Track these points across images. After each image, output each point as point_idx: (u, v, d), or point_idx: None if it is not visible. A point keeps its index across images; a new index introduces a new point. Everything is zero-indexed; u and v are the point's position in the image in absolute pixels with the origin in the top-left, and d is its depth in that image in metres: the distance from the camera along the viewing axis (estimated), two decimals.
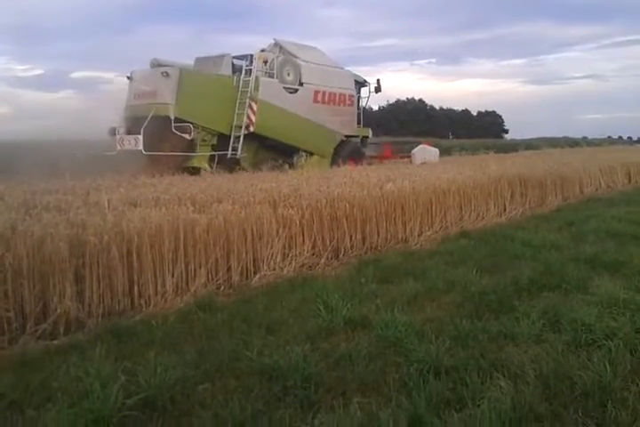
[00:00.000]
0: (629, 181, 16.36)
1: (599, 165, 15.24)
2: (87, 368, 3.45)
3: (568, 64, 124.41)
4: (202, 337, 4.25)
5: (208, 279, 5.70)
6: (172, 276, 5.42)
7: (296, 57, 16.41)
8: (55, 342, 4.35)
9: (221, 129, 14.41)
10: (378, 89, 18.89)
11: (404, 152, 21.21)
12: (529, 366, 3.51)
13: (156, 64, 14.52)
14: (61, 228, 4.96)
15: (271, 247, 6.33)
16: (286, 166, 13.79)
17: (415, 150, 19.65)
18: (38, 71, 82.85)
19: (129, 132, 13.50)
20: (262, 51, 16.14)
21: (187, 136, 13.23)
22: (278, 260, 6.36)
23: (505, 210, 10.45)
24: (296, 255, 6.58)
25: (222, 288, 5.76)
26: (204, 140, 14.05)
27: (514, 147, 34.09)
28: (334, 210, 7.19)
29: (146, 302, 5.16)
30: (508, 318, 4.44)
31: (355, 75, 18.62)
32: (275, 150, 15.80)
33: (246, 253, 6.13)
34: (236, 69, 15.09)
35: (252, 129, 14.54)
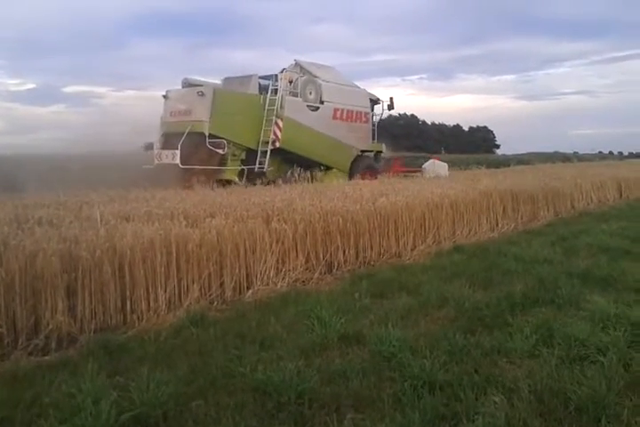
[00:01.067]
0: (620, 195, 16.49)
1: (590, 180, 15.35)
2: (79, 384, 3.42)
3: (559, 80, 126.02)
4: (195, 353, 4.22)
5: (201, 294, 5.68)
6: (165, 291, 5.40)
7: (316, 77, 17.48)
8: (47, 357, 4.32)
9: (250, 144, 15.36)
10: (391, 106, 19.83)
11: (411, 166, 22.18)
12: (523, 381, 3.51)
13: (187, 83, 15.73)
14: (54, 242, 4.94)
15: (264, 262, 6.32)
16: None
17: (426, 165, 20.37)
18: (30, 85, 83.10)
19: (165, 147, 14.47)
20: (283, 70, 16.98)
21: (220, 151, 14.17)
22: (271, 274, 6.35)
23: (497, 225, 10.50)
24: (289, 270, 6.57)
25: (215, 303, 5.74)
26: (234, 155, 15.01)
27: (505, 162, 34.33)
28: (328, 224, 7.20)
29: (138, 318, 5.13)
30: (501, 333, 4.44)
31: (369, 93, 19.58)
32: (292, 164, 16.04)
33: (239, 268, 6.11)
34: (262, 89, 16.17)
35: (277, 144, 15.42)
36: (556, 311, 5.03)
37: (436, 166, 19.83)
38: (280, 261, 6.53)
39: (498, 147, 75.09)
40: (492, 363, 3.88)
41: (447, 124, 74.00)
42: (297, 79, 16.60)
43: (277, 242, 6.50)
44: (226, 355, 4.12)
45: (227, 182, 13.65)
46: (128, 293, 5.17)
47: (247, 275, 6.20)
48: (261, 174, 14.78)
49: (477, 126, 75.91)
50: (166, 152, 14.24)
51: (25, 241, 4.87)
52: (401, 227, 8.27)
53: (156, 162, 14.33)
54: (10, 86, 76.38)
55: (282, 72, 16.67)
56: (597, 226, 10.40)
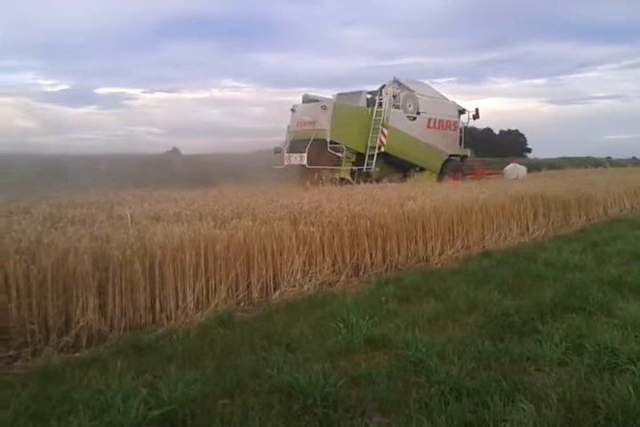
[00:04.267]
0: None
1: (624, 186, 15.07)
2: (108, 381, 3.48)
3: (590, 84, 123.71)
4: (222, 353, 4.25)
5: (228, 295, 5.73)
6: (193, 291, 5.46)
7: (412, 91, 20.27)
8: (77, 354, 4.40)
9: (360, 149, 18.28)
10: (476, 116, 22.46)
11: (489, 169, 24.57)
12: (552, 389, 3.45)
13: (307, 98, 19.35)
14: (85, 241, 5.03)
15: (291, 264, 6.34)
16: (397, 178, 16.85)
17: (507, 168, 22.22)
18: (64, 86, 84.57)
19: (293, 151, 17.64)
20: (384, 86, 20.08)
21: (339, 154, 17.36)
22: (298, 277, 6.37)
23: (528, 230, 10.37)
24: (316, 272, 6.59)
25: (242, 304, 5.78)
26: (348, 158, 17.88)
27: (537, 166, 33.78)
28: (355, 227, 7.20)
29: (167, 317, 5.20)
30: (530, 340, 4.38)
31: (457, 104, 22.34)
32: (395, 166, 19.29)
33: (266, 270, 6.15)
34: (369, 102, 19.38)
35: (383, 149, 18.36)
36: (587, 319, 4.94)
37: (516, 169, 21.48)
38: (307, 263, 6.54)
39: (529, 151, 74.18)
40: (521, 370, 3.83)
41: (477, 127, 73.33)
42: (399, 94, 19.47)
43: (304, 244, 6.52)
44: (252, 355, 4.14)
45: (342, 180, 16.27)
46: (157, 292, 5.24)
47: (274, 276, 6.23)
48: (367, 174, 17.76)
49: (509, 130, 75.11)
50: (295, 155, 17.39)
51: (57, 239, 4.97)
52: (429, 231, 8.23)
53: (286, 163, 17.51)
54: (44, 87, 77.95)
55: (382, 88, 19.80)
56: (630, 232, 10.21)
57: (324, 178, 13.65)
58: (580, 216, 12.22)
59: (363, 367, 3.90)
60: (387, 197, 9.24)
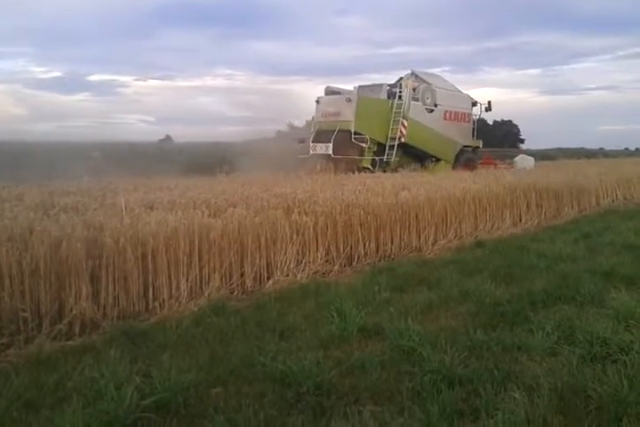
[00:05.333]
0: None
1: (616, 177, 15.13)
2: (102, 369, 3.48)
3: (583, 75, 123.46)
4: (215, 341, 4.26)
5: (222, 284, 5.73)
6: (187, 279, 5.45)
7: (429, 84, 20.75)
8: (70, 342, 4.39)
9: (381, 139, 18.81)
10: (488, 108, 22.92)
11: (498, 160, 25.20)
12: (543, 378, 3.48)
13: (330, 90, 19.96)
14: (78, 229, 5.00)
15: (285, 253, 6.34)
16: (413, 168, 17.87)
17: (517, 159, 23.86)
18: (56, 73, 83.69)
19: (318, 141, 18.23)
20: (401, 78, 21.01)
21: (364, 145, 17.98)
22: (292, 266, 6.37)
23: (520, 220, 10.43)
24: (309, 262, 6.60)
25: (236, 293, 5.78)
26: (370, 148, 18.38)
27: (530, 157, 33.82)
28: (349, 217, 7.20)
29: (160, 305, 5.19)
30: (522, 329, 4.41)
31: (470, 97, 22.76)
32: (412, 156, 19.93)
33: (260, 259, 6.15)
34: (389, 95, 19.80)
35: (403, 140, 18.98)
36: (579, 309, 4.98)
37: (524, 160, 23.19)
38: (300, 252, 6.55)
39: (522, 141, 74.09)
40: (513, 359, 3.86)
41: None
42: (418, 86, 20.04)
43: (298, 233, 6.52)
44: (246, 344, 4.15)
45: (364, 169, 16.79)
46: (151, 280, 5.23)
47: (267, 265, 6.24)
48: (387, 164, 18.45)
49: (502, 120, 75.00)
50: (320, 145, 18.00)
51: (50, 227, 4.94)
52: (422, 221, 8.24)
53: (311, 152, 18.05)
54: (36, 74, 77.21)
55: (399, 80, 20.79)
56: (622, 223, 10.27)
57: (343, 167, 14.83)
58: (572, 207, 12.27)
59: (356, 356, 3.91)
60: (381, 186, 9.23)
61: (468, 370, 3.60)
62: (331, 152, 17.51)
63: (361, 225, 7.30)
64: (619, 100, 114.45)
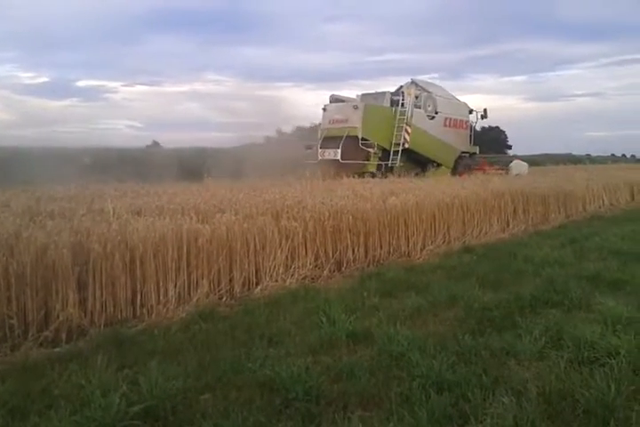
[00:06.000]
0: (633, 199, 16.41)
1: (603, 183, 15.26)
2: (89, 376, 3.45)
3: (569, 81, 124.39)
4: (204, 347, 4.24)
5: (210, 289, 5.71)
6: (175, 285, 5.43)
7: (429, 92, 21.74)
8: (57, 349, 4.35)
9: (385, 145, 19.76)
10: (484, 116, 23.93)
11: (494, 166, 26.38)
12: (531, 382, 3.50)
13: (334, 98, 20.93)
14: (65, 235, 4.97)
15: (274, 259, 6.34)
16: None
17: (512, 164, 24.98)
18: (44, 79, 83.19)
19: (325, 147, 19.03)
20: (401, 86, 21.78)
21: (371, 150, 19.02)
22: (281, 271, 6.36)
23: (508, 226, 10.48)
24: (298, 267, 6.59)
25: (224, 299, 5.76)
26: (375, 153, 19.35)
27: (508, 163, 34.08)
28: (337, 222, 7.20)
29: (148, 311, 5.16)
30: (510, 334, 4.42)
31: (467, 105, 23.89)
32: (413, 162, 20.83)
33: (249, 264, 6.14)
34: (392, 102, 20.75)
35: (407, 146, 19.87)
36: (566, 313, 5.01)
37: (519, 166, 24.38)
38: (289, 258, 6.54)
39: (510, 147, 74.52)
40: (501, 364, 3.87)
41: None
42: (420, 95, 21.07)
43: (287, 239, 6.51)
44: (234, 350, 4.13)
45: (370, 174, 17.76)
46: (138, 286, 5.20)
47: (256, 271, 6.22)
48: (391, 169, 19.08)
49: (489, 126, 75.44)
50: (329, 150, 18.78)
51: (37, 233, 4.90)
52: (411, 226, 8.26)
53: (320, 158, 18.82)
54: (24, 79, 76.59)
55: (400, 89, 21.52)
56: (608, 229, 10.35)
57: (350, 172, 15.47)
58: (559, 212, 12.36)
59: (345, 362, 3.91)
60: (369, 192, 9.25)
61: (457, 375, 3.61)
62: (339, 157, 18.28)
63: (350, 230, 7.30)
64: (605, 107, 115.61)
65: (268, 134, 24.78)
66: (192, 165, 17.69)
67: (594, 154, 61.17)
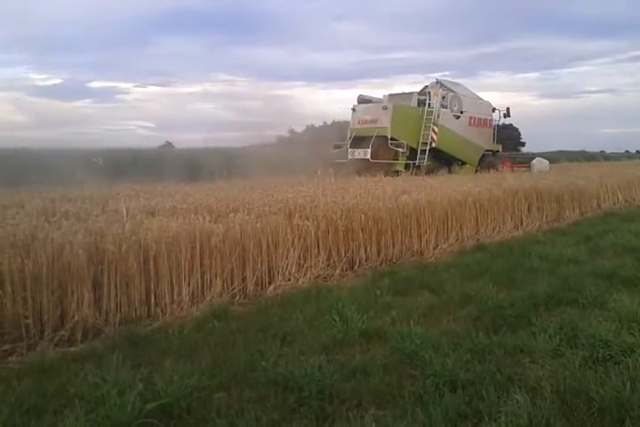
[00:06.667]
0: None
1: (617, 180, 15.13)
2: (104, 375, 3.48)
3: (582, 78, 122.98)
4: (217, 346, 4.26)
5: (223, 289, 5.74)
6: (189, 285, 5.46)
7: (454, 92, 22.06)
8: (72, 348, 4.40)
9: (413, 145, 19.97)
10: (507, 115, 24.51)
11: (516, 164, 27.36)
12: (546, 380, 3.47)
13: (362, 99, 21.30)
14: (80, 236, 5.01)
15: (286, 258, 6.35)
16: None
17: (533, 162, 25.58)
18: (56, 81, 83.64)
19: (355, 147, 19.35)
20: (426, 86, 22.27)
21: (400, 150, 19.24)
22: (293, 270, 6.37)
23: (522, 224, 10.41)
24: (311, 266, 6.59)
25: (237, 298, 5.79)
26: (404, 153, 19.57)
27: (531, 160, 33.94)
28: (350, 221, 7.20)
29: (162, 311, 5.20)
30: (524, 332, 4.41)
31: (490, 104, 24.18)
32: (439, 160, 21.05)
33: (261, 264, 6.15)
34: (419, 103, 21.06)
35: (434, 145, 20.24)
36: (581, 311, 4.97)
37: (541, 163, 24.87)
38: (302, 257, 6.55)
39: (523, 145, 74.08)
40: (515, 362, 3.86)
41: None
42: (446, 95, 21.32)
43: (299, 238, 6.52)
44: (248, 349, 4.15)
45: (397, 173, 17.95)
46: (152, 286, 5.24)
47: (269, 270, 6.24)
48: (418, 168, 19.28)
49: (503, 124, 75.06)
50: (358, 150, 19.11)
51: (52, 234, 4.95)
52: (423, 225, 8.24)
53: (350, 157, 19.17)
54: (37, 81, 77.19)
55: (424, 89, 21.95)
56: (623, 226, 10.26)
57: (379, 171, 15.46)
58: (573, 210, 12.27)
59: (358, 360, 3.91)
60: (381, 191, 9.24)
61: (471, 373, 3.60)
62: (369, 157, 18.62)
63: (362, 229, 7.30)
64: (618, 104, 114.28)
65: (279, 134, 24.94)
66: (205, 165, 17.76)
67: (608, 151, 60.62)
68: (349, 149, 19.50)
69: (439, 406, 3.15)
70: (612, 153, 57.79)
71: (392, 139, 19.19)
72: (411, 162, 19.69)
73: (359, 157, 18.98)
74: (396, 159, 19.48)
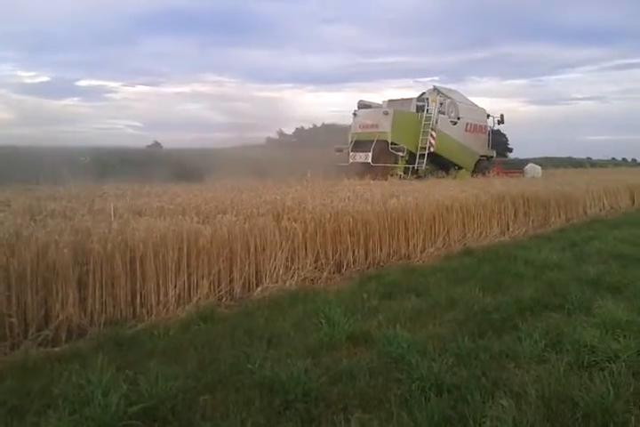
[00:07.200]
0: (633, 203, 16.42)
1: (603, 187, 15.26)
2: (88, 376, 3.45)
3: (570, 85, 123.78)
4: (203, 348, 4.23)
5: (210, 290, 5.71)
6: (175, 286, 5.43)
7: (451, 98, 22.73)
8: (57, 348, 4.36)
9: (412, 149, 20.61)
10: (501, 121, 25.32)
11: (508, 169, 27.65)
12: (531, 386, 3.49)
13: (362, 104, 21.94)
14: (66, 235, 4.97)
15: (274, 260, 6.33)
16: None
17: (527, 167, 26.21)
18: (44, 78, 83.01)
19: (356, 151, 19.98)
20: (423, 93, 23.06)
21: (401, 154, 20.00)
22: (281, 272, 6.36)
23: (508, 229, 10.48)
24: (298, 268, 6.58)
25: (224, 299, 5.76)
26: (403, 157, 20.28)
27: (518, 166, 34.15)
28: (338, 224, 7.20)
29: (148, 312, 5.17)
30: (510, 337, 4.43)
31: (485, 111, 25.08)
32: (437, 165, 21.77)
33: (249, 265, 6.13)
34: (417, 108, 21.82)
35: (432, 150, 20.85)
36: (566, 317, 5.01)
37: (533, 169, 25.55)
38: (289, 259, 6.54)
39: (511, 151, 74.56)
40: (501, 367, 3.87)
41: None
42: (444, 101, 22.03)
43: (287, 240, 6.51)
44: (234, 351, 4.13)
45: (396, 176, 18.10)
46: (138, 286, 5.20)
47: (256, 272, 6.22)
48: (416, 172, 20.30)
49: (491, 129, 75.46)
50: (360, 154, 19.79)
51: (37, 233, 4.91)
52: (411, 228, 8.26)
53: (351, 161, 19.80)
54: (24, 79, 76.60)
55: (422, 95, 22.73)
56: (609, 232, 10.34)
57: (379, 174, 16.36)
58: (559, 216, 12.36)
59: (344, 363, 3.91)
60: (370, 194, 9.25)
61: (456, 378, 3.61)
62: (370, 160, 19.22)
63: (350, 232, 7.30)
64: (606, 111, 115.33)
65: (268, 135, 25.18)
66: (193, 166, 17.72)
67: (594, 157, 61.15)
68: (351, 153, 20.09)
69: (425, 410, 3.16)
70: (599, 160, 58.32)
71: (393, 143, 19.78)
72: (410, 166, 20.31)
73: (360, 160, 19.53)
74: (396, 163, 20.04)
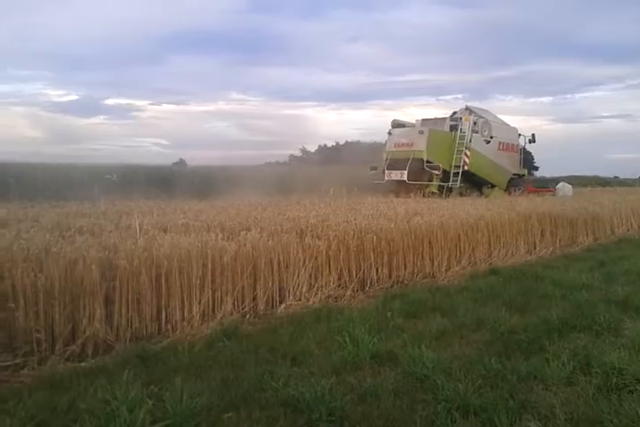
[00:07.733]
0: None
1: (631, 206, 15.03)
2: (114, 391, 3.46)
3: (595, 103, 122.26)
4: (227, 365, 4.24)
5: (234, 307, 5.72)
6: (199, 302, 5.45)
7: (484, 118, 22.83)
8: (83, 364, 4.39)
9: (446, 167, 20.80)
10: (532, 140, 25.54)
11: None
12: (559, 408, 3.43)
13: (396, 123, 22.07)
14: (93, 251, 5.04)
15: (297, 277, 6.33)
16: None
17: (558, 186, 26.17)
18: (73, 97, 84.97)
19: (392, 168, 20.23)
20: (455, 112, 23.37)
21: (436, 172, 20.17)
22: (304, 290, 6.36)
23: (535, 248, 10.35)
24: (322, 286, 6.57)
25: (248, 316, 5.77)
26: (438, 175, 20.43)
27: (544, 184, 33.83)
28: (361, 242, 7.19)
29: (173, 328, 5.19)
30: (537, 358, 4.36)
31: (517, 130, 25.29)
32: (470, 183, 22.05)
33: (272, 283, 6.14)
34: (451, 128, 22.04)
35: (466, 168, 21.05)
36: (594, 338, 4.92)
37: (565, 187, 25.61)
38: (313, 276, 6.53)
39: (537, 169, 74.07)
40: (528, 389, 3.81)
41: None
42: (477, 121, 22.21)
43: (311, 258, 6.51)
44: (258, 369, 4.12)
45: (432, 194, 18.98)
46: (164, 303, 5.23)
47: (280, 289, 6.22)
48: (450, 190, 20.55)
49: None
50: (395, 172, 20.05)
51: (66, 249, 4.98)
52: (435, 247, 8.21)
53: (386, 179, 20.19)
54: (53, 97, 78.50)
55: (454, 115, 23.12)
56: (637, 252, 10.18)
57: (414, 192, 16.58)
58: (587, 235, 12.18)
59: (369, 383, 3.88)
60: (393, 212, 9.24)
61: (483, 399, 3.56)
62: (405, 178, 19.57)
63: (373, 250, 7.28)
64: (632, 129, 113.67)
65: (291, 153, 25.44)
66: (217, 183, 17.88)
67: (622, 176, 60.23)
68: (386, 171, 20.38)
69: None
70: (627, 179, 57.39)
71: (428, 161, 20.08)
72: (444, 184, 20.50)
73: (396, 178, 19.88)
74: (431, 181, 20.36)
